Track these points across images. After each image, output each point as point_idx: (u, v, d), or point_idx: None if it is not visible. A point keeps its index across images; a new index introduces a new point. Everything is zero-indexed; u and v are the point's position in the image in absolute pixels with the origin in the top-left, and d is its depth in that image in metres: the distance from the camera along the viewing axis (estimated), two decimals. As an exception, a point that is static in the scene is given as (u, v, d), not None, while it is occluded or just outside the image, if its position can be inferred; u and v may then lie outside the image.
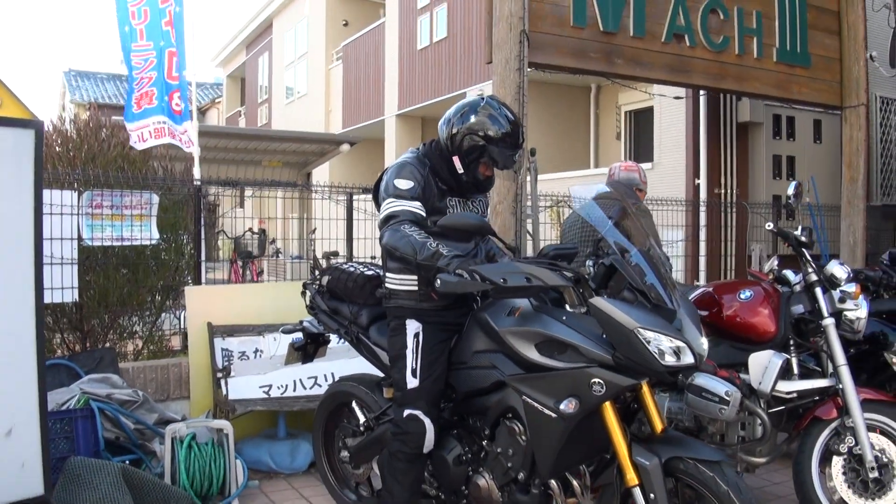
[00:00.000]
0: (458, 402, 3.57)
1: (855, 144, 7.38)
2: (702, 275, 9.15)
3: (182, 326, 6.48)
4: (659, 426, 3.07)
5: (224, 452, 4.46)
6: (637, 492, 2.92)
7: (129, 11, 7.04)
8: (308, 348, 4.50)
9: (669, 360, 2.85)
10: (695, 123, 9.89)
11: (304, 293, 4.45)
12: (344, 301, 4.13)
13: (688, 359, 2.90)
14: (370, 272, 4.07)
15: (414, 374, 3.45)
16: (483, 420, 3.43)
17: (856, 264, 7.17)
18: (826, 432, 4.05)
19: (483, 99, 3.56)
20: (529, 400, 3.11)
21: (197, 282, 6.39)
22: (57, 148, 6.41)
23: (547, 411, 3.04)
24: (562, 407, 2.98)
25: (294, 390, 5.23)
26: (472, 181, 3.54)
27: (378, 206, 3.55)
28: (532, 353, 3.11)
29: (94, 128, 6.88)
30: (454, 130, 3.48)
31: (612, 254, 3.13)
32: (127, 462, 4.29)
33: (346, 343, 4.81)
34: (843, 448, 3.98)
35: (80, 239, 5.52)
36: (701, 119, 9.74)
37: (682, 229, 8.66)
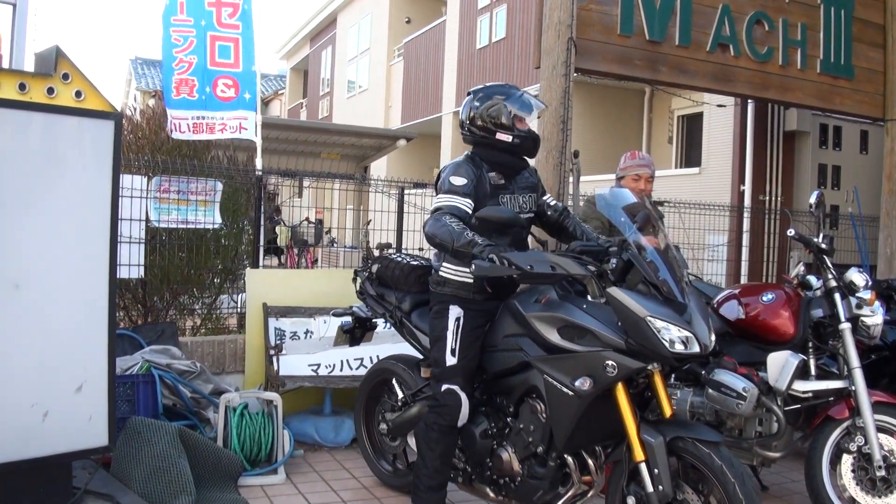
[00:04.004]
0: (487, 382, 3.86)
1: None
2: (743, 279, 9.24)
3: (239, 308, 6.85)
4: (668, 412, 3.31)
5: (273, 422, 4.78)
6: (643, 467, 3.18)
7: None
8: (356, 332, 4.84)
9: (678, 347, 3.10)
10: (742, 130, 9.98)
11: (355, 279, 4.80)
12: (390, 288, 4.46)
13: (694, 348, 3.14)
14: (415, 262, 4.41)
15: (453, 353, 3.75)
16: (508, 398, 3.72)
17: (892, 275, 7.25)
18: (837, 431, 4.19)
19: (470, 94, 3.94)
20: (550, 379, 3.39)
21: (255, 265, 6.74)
22: (127, 135, 6.80)
23: (565, 389, 3.31)
24: (577, 384, 3.25)
25: (341, 370, 5.52)
26: (525, 139, 3.84)
27: None
28: (554, 337, 3.39)
29: (159, 116, 7.25)
30: (474, 115, 3.84)
31: (630, 251, 3.38)
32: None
33: (391, 329, 5.14)
34: (853, 447, 4.11)
35: (147, 220, 5.92)
36: (748, 126, 9.82)
37: (724, 234, 8.81)
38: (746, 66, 6.66)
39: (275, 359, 5.37)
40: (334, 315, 5.12)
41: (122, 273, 5.52)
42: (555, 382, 3.36)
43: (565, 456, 3.48)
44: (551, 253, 3.50)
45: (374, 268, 4.58)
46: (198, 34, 6.93)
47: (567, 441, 3.39)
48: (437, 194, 3.81)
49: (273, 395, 4.89)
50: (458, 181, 3.69)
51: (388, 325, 4.69)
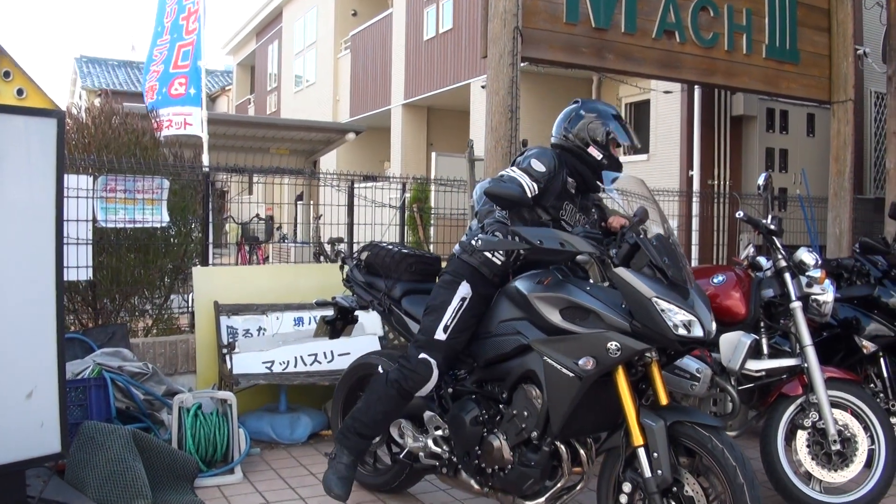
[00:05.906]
0: (478, 370, 3.81)
1: (842, 138, 7.59)
2: (694, 262, 9.37)
3: (190, 307, 6.75)
4: (664, 400, 3.29)
5: (228, 421, 4.71)
6: (641, 451, 3.16)
7: (166, 11, 7.31)
8: (337, 323, 4.76)
9: (681, 331, 3.11)
10: (689, 116, 10.12)
11: (342, 267, 4.73)
12: (379, 276, 4.39)
13: (697, 332, 3.15)
14: (406, 251, 4.39)
15: (445, 329, 3.71)
16: (501, 385, 3.66)
17: (842, 254, 7.38)
18: (792, 408, 4.25)
19: (577, 102, 4.05)
20: (550, 360, 3.34)
21: (205, 263, 6.65)
22: (72, 134, 6.67)
23: (565, 371, 3.28)
24: (580, 363, 3.22)
25: (295, 366, 5.45)
26: (610, 160, 3.88)
27: None
28: (556, 318, 3.36)
29: (106, 115, 7.13)
30: (573, 123, 3.93)
31: (636, 235, 3.36)
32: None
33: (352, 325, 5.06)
34: (808, 423, 4.18)
35: (94, 221, 5.80)
36: (695, 112, 9.96)
37: (675, 219, 8.89)
38: (692, 53, 6.73)
39: (228, 357, 5.30)
40: (317, 304, 5.10)
41: (71, 275, 5.40)
42: (555, 364, 3.32)
43: (557, 444, 3.45)
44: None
45: (364, 255, 4.53)
46: (170, 47, 7.34)
47: (563, 426, 3.35)
48: (512, 165, 3.84)
49: (227, 395, 4.83)
50: (538, 167, 3.71)
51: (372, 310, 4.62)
